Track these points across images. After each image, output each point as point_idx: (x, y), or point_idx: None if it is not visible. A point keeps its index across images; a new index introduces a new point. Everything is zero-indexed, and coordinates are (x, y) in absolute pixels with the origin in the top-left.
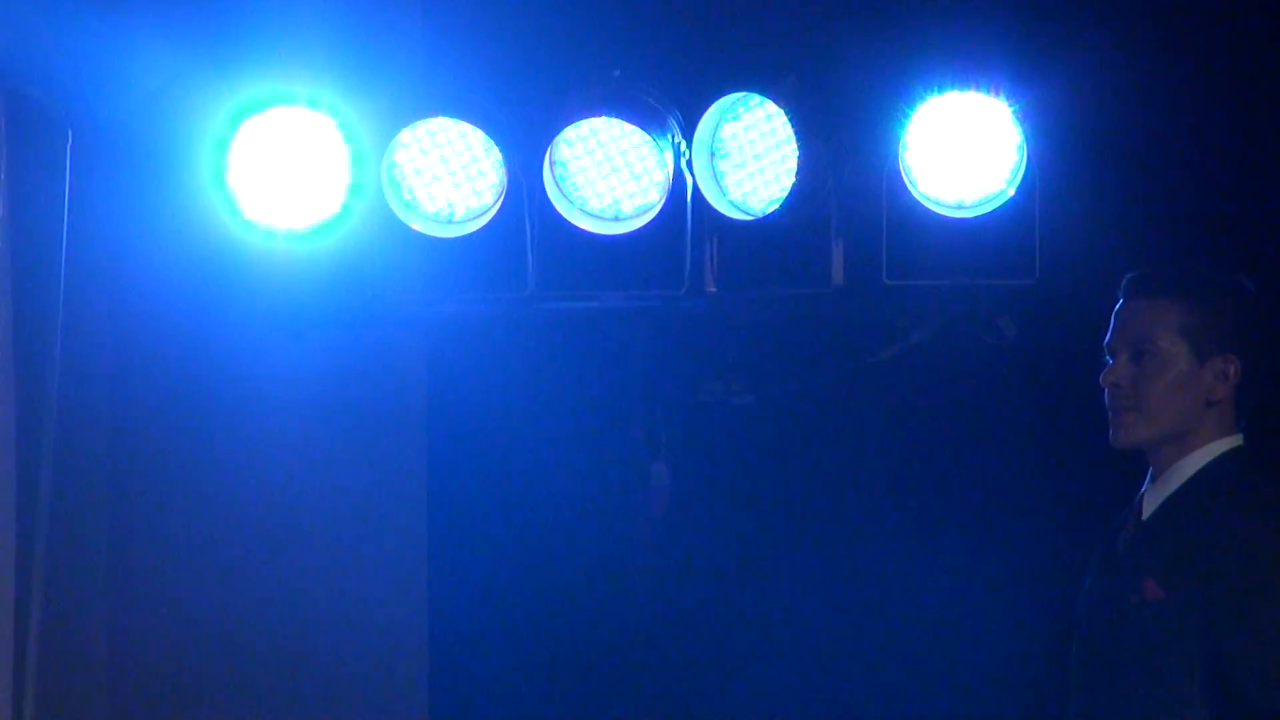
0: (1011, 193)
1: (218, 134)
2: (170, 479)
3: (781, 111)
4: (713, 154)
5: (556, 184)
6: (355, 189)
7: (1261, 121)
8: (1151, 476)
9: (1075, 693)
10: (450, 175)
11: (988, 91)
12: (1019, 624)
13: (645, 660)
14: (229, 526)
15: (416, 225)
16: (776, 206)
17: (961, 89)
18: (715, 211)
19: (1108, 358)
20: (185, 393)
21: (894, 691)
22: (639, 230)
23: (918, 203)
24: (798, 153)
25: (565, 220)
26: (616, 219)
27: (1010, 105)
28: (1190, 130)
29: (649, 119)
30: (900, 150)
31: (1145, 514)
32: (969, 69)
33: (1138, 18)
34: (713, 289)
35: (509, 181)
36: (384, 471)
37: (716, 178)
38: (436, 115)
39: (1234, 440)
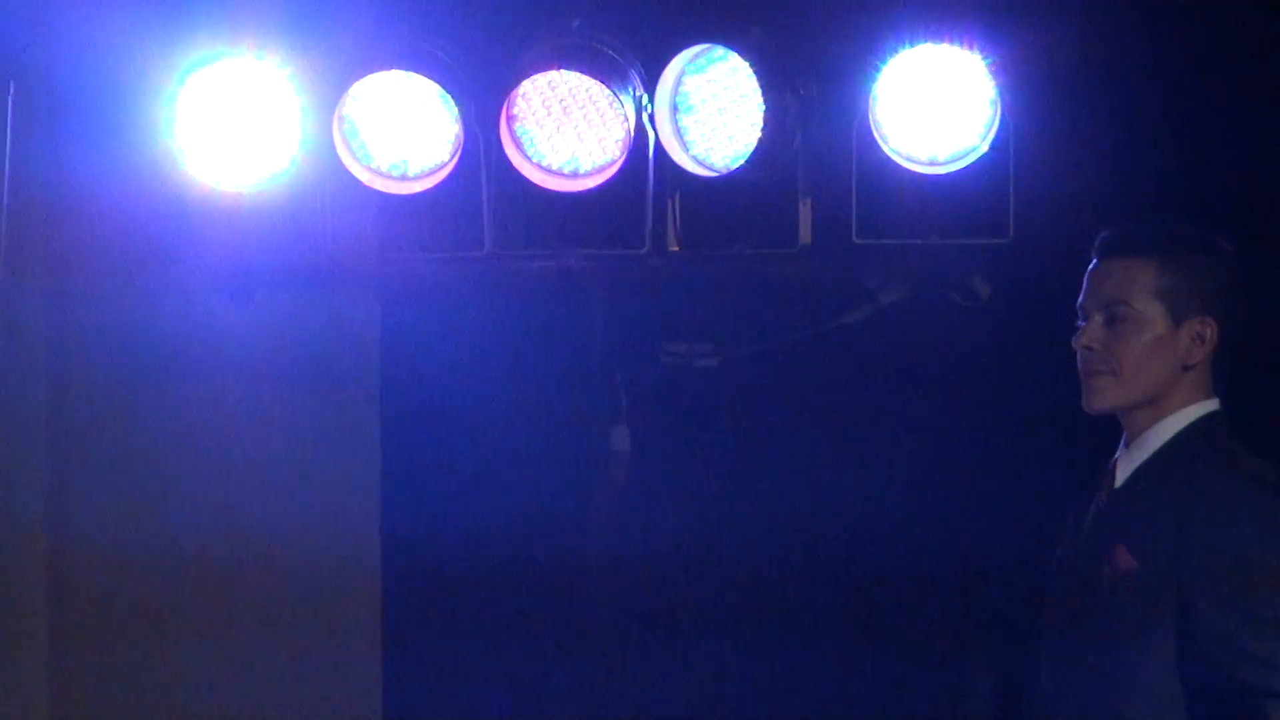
0: (985, 149)
1: (164, 87)
2: (113, 441)
3: (747, 64)
4: (676, 108)
5: (514, 139)
6: (306, 143)
7: (1242, 77)
8: (1125, 442)
9: (1045, 662)
10: (405, 130)
11: (961, 44)
12: (992, 590)
13: (603, 626)
14: (175, 489)
15: (370, 181)
16: (742, 162)
17: (934, 41)
18: (678, 167)
19: (1080, 320)
20: (129, 352)
21: (859, 659)
22: (599, 187)
23: (888, 159)
24: (763, 107)
25: (523, 176)
26: (576, 175)
27: (984, 58)
28: (1168, 84)
29: (609, 72)
30: (870, 105)
31: (1118, 480)
32: (942, 21)
33: None
34: (675, 248)
35: (465, 136)
36: (335, 436)
37: (679, 133)
38: (390, 68)
39: (1210, 405)
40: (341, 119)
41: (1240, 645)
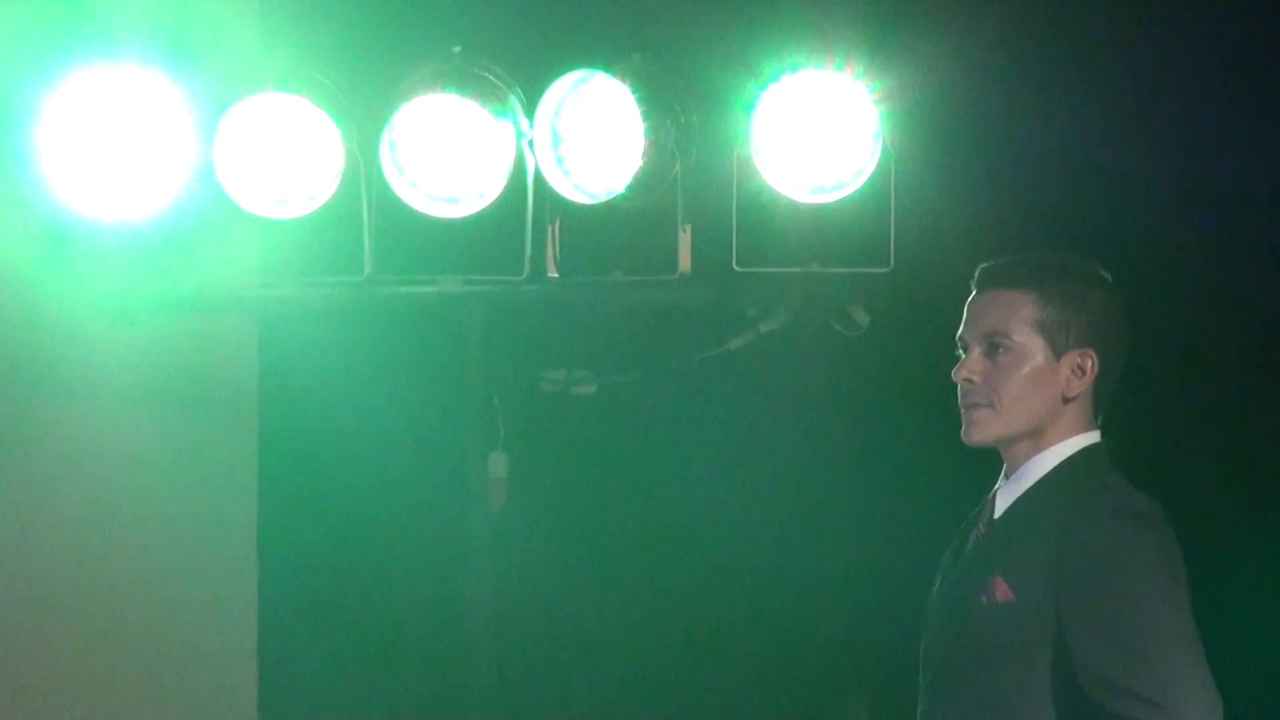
0: (866, 178)
1: (28, 96)
2: None
3: (627, 90)
4: (555, 134)
5: (394, 164)
6: (186, 168)
7: (1121, 109)
8: (1005, 473)
9: (924, 694)
10: (285, 153)
11: (843, 71)
12: (871, 619)
13: (480, 655)
14: (51, 510)
15: (249, 205)
16: (622, 190)
17: (816, 68)
18: (558, 194)
19: (960, 351)
20: (6, 374)
21: (737, 687)
22: (479, 213)
23: (769, 186)
24: (644, 134)
25: (403, 202)
26: (456, 201)
27: (867, 86)
28: (1049, 116)
29: (490, 97)
30: (751, 132)
31: (997, 512)
32: (824, 47)
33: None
34: (554, 274)
35: (346, 161)
36: (213, 462)
37: (559, 159)
38: (270, 90)
39: (1091, 437)
40: (221, 142)
41: (1112, 679)
